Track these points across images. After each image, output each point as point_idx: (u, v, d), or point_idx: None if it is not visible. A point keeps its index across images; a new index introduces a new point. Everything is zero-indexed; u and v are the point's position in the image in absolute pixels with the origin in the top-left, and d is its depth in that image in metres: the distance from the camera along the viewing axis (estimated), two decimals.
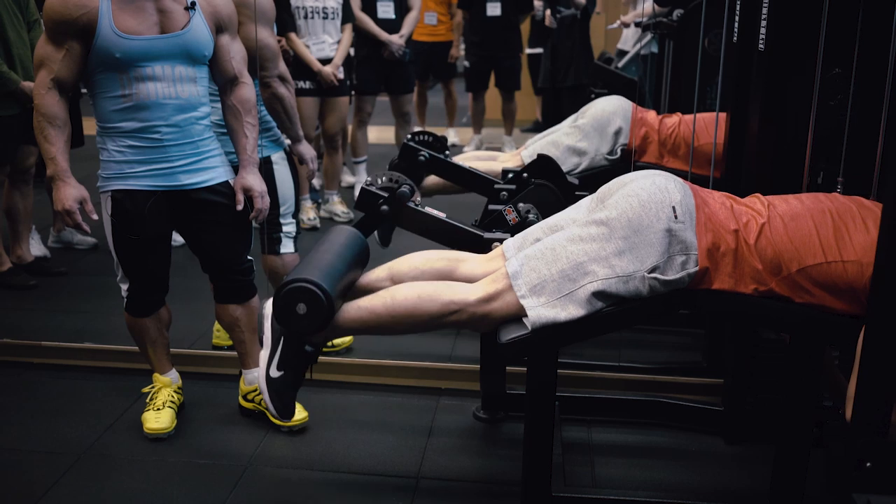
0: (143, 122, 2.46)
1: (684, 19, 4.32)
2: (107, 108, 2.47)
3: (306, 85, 4.81)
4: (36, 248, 4.30)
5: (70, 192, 2.44)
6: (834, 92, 2.55)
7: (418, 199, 2.68)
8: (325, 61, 4.88)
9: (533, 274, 2.06)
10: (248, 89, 2.64)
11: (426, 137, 3.45)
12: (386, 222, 2.78)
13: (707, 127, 3.51)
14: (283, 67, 2.96)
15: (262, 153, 2.90)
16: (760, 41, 2.61)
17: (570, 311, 2.03)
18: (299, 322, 2.06)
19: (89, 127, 4.51)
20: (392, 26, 5.40)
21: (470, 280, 2.22)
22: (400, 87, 5.65)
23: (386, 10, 5.39)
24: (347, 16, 5.04)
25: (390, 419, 2.84)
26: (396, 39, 5.37)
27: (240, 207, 2.60)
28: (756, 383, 2.61)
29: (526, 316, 2.05)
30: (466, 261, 2.33)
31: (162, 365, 2.82)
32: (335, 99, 5.02)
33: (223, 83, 2.64)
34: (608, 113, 3.69)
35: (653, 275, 2.01)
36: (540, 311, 2.03)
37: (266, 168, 2.95)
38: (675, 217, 2.02)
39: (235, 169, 2.66)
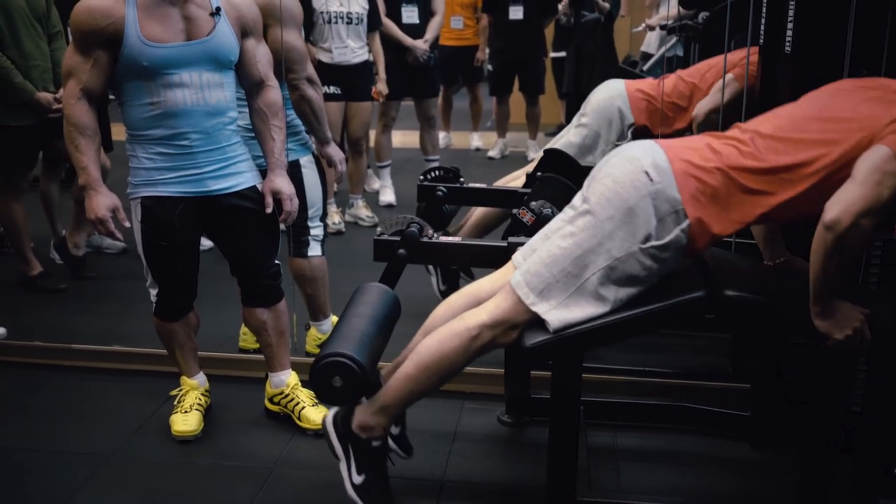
0: (171, 129, 2.49)
1: (710, 22, 4.30)
2: (136, 115, 2.50)
3: (330, 90, 4.84)
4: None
5: (102, 201, 2.47)
6: None
7: (430, 232, 2.67)
8: (348, 67, 4.90)
9: (536, 279, 2.07)
10: (274, 92, 2.66)
11: (438, 173, 3.45)
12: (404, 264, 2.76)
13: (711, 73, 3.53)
14: (310, 70, 2.98)
15: (290, 156, 2.92)
16: (787, 43, 2.60)
17: (583, 307, 2.03)
18: (336, 394, 2.12)
19: (118, 132, 4.58)
20: (416, 31, 5.41)
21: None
22: (425, 91, 5.66)
23: (410, 16, 5.41)
24: (374, 23, 5.05)
25: (415, 423, 2.84)
26: (420, 45, 5.39)
27: (268, 211, 2.61)
28: (782, 388, 2.59)
29: (546, 321, 2.05)
30: (484, 284, 2.33)
31: (189, 368, 2.84)
32: (359, 104, 5.05)
33: (249, 87, 2.65)
34: (605, 100, 3.70)
35: (648, 244, 1.99)
36: (554, 314, 2.03)
37: (294, 171, 2.97)
38: (651, 180, 1.99)
39: (263, 173, 2.68)
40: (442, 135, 7.13)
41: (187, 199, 2.55)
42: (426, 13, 5.48)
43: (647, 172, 1.99)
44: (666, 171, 2.00)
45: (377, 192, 5.83)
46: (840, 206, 1.83)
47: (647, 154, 2.04)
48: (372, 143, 5.66)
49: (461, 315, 2.18)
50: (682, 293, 2.01)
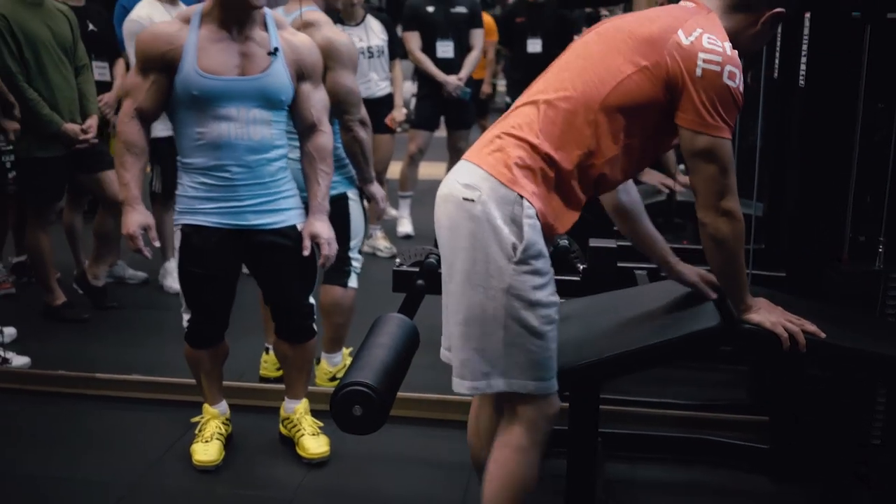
0: (215, 160, 2.54)
1: None
2: (184, 143, 2.57)
3: None
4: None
5: (136, 218, 2.55)
6: (877, 127, 2.54)
7: None
8: (373, 100, 4.92)
9: (470, 368, 1.90)
10: (325, 138, 2.69)
11: None
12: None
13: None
14: (363, 112, 3.03)
15: (338, 189, 2.98)
16: (801, 77, 2.63)
17: (529, 351, 1.86)
18: (356, 423, 2.13)
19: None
20: (451, 66, 5.42)
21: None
22: (458, 123, 5.66)
23: (445, 50, 5.43)
24: (395, 51, 5.10)
25: (434, 453, 2.86)
26: (453, 80, 5.38)
27: (306, 253, 2.64)
28: (801, 421, 2.59)
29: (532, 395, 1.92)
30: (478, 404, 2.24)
31: (213, 396, 2.88)
32: (380, 136, 5.09)
33: (302, 129, 2.68)
34: None
35: (514, 254, 1.81)
36: (517, 382, 1.89)
37: (342, 204, 3.02)
38: (473, 200, 1.83)
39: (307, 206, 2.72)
40: None
41: (225, 231, 2.59)
42: (462, 48, 5.48)
43: (464, 198, 1.85)
44: (478, 176, 1.86)
45: (395, 222, 5.87)
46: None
47: (456, 177, 1.90)
48: (397, 174, 5.69)
49: (494, 457, 2.01)
50: (697, 323, 2.02)
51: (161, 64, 2.50)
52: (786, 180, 2.86)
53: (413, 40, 5.35)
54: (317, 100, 2.68)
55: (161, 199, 4.38)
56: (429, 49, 5.39)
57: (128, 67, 4.35)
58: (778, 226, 3.00)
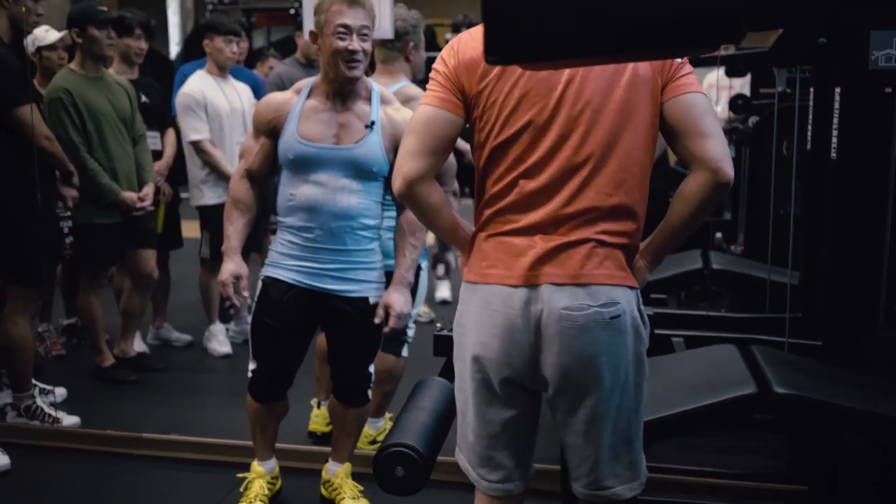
0: (302, 221, 2.68)
1: (759, 127, 4.41)
2: (280, 202, 2.72)
3: None
4: (137, 343, 4.54)
5: (230, 268, 2.71)
6: None
7: None
8: None
9: (637, 464, 1.96)
10: None
11: None
12: None
13: None
14: (455, 184, 3.15)
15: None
16: (832, 150, 2.69)
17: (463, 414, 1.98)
18: (398, 484, 2.18)
19: (190, 228, 4.81)
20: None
21: None
22: None
23: None
24: None
25: None
26: None
27: (377, 321, 2.72)
28: (839, 490, 2.58)
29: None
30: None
31: (263, 452, 2.93)
32: None
33: (397, 202, 2.74)
34: None
35: (647, 339, 1.88)
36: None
37: (415, 275, 3.08)
38: (617, 315, 1.81)
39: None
40: None
41: (302, 289, 2.70)
42: None
43: (611, 318, 1.81)
44: (607, 292, 1.81)
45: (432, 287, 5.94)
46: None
47: (584, 307, 1.81)
48: (430, 241, 5.79)
49: None
50: (731, 390, 2.06)
51: (269, 129, 2.70)
52: (821, 249, 2.90)
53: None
54: None
55: (209, 264, 4.51)
56: None
57: (178, 137, 4.54)
58: (813, 294, 3.03)
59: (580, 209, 1.79)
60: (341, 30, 2.59)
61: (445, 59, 1.86)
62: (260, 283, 2.75)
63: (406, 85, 3.22)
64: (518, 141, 1.80)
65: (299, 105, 2.67)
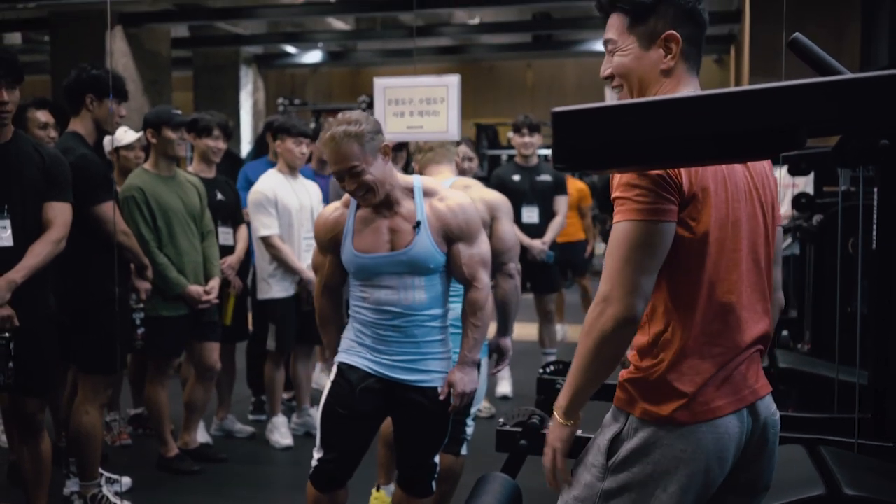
0: (372, 318, 2.77)
1: (824, 225, 4.39)
2: (352, 299, 2.83)
3: None
4: (200, 434, 4.61)
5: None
6: None
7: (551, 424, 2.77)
8: None
9: None
10: (478, 293, 2.82)
11: (558, 366, 3.58)
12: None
13: None
14: (516, 264, 3.26)
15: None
16: None
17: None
18: None
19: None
20: (535, 230, 5.65)
21: None
22: (544, 287, 5.83)
23: (531, 216, 5.66)
24: None
25: None
26: (538, 245, 5.58)
27: (441, 398, 2.78)
28: None
29: None
30: None
31: None
32: None
33: (461, 283, 2.85)
34: None
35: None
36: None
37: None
38: None
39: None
40: (557, 327, 7.25)
41: (374, 378, 2.77)
42: (546, 214, 5.72)
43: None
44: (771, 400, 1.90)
45: (493, 382, 5.93)
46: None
47: (776, 418, 1.91)
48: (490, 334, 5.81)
49: None
50: (799, 491, 2.02)
51: (331, 246, 2.83)
52: (889, 348, 2.85)
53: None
54: (468, 257, 2.80)
55: (274, 356, 4.60)
56: (515, 215, 5.60)
57: (249, 233, 4.69)
58: (883, 394, 2.96)
59: None
60: (336, 176, 2.72)
61: None
62: (335, 369, 2.82)
63: (460, 178, 3.30)
64: None
65: (351, 219, 2.78)
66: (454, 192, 2.89)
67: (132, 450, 4.61)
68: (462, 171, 5.17)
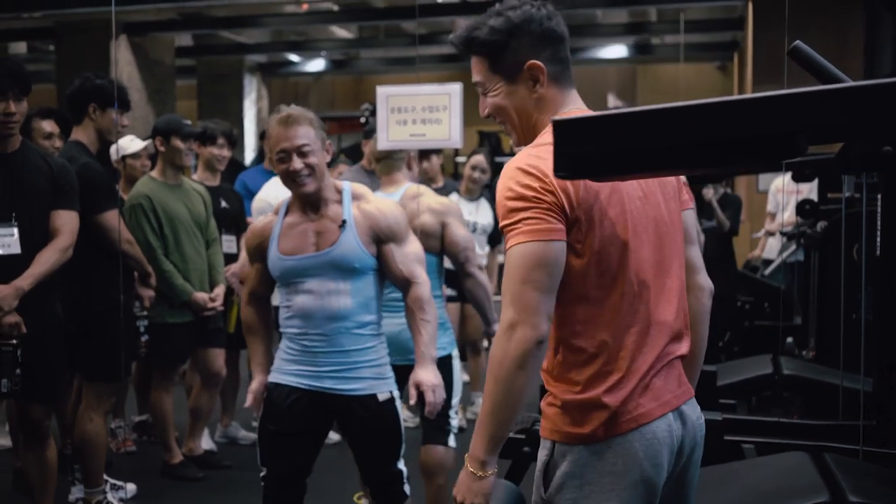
0: (298, 329, 2.73)
1: (828, 231, 4.39)
2: (280, 313, 2.80)
3: (447, 291, 5.06)
4: (205, 441, 4.61)
5: (253, 384, 2.81)
6: None
7: None
8: None
9: None
10: (419, 288, 2.77)
11: None
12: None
13: None
14: (481, 260, 3.26)
15: (446, 350, 3.15)
16: None
17: None
18: None
19: None
20: None
21: None
22: None
23: None
24: (494, 238, 5.38)
25: None
26: None
27: (412, 403, 2.76)
28: None
29: None
30: None
31: None
32: (472, 308, 5.24)
33: (399, 286, 2.81)
34: None
35: None
36: None
37: (448, 364, 3.15)
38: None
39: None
40: None
41: (304, 391, 2.73)
42: None
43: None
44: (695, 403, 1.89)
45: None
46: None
47: (699, 423, 1.89)
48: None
49: None
50: (803, 499, 2.01)
51: (258, 253, 2.82)
52: (894, 355, 2.84)
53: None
54: (403, 255, 2.77)
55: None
56: None
57: None
58: (888, 402, 2.95)
59: None
60: (281, 155, 2.66)
61: None
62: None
63: (413, 185, 3.32)
64: None
65: (279, 224, 2.76)
66: (383, 198, 2.93)
67: (137, 456, 4.62)
68: (473, 182, 5.22)
